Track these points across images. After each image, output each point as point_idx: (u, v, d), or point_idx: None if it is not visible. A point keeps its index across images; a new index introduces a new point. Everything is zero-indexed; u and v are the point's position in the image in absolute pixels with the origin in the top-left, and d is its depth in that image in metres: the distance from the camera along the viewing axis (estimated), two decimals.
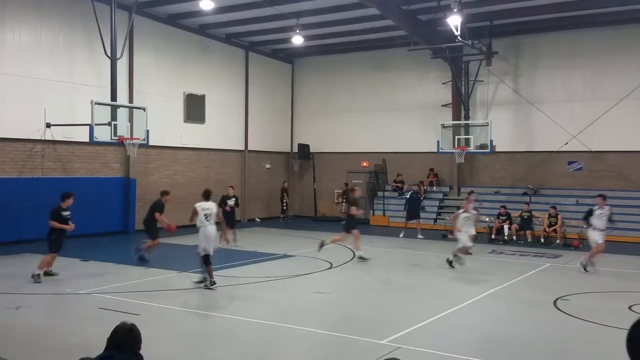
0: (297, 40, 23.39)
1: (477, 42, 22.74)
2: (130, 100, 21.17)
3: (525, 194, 23.39)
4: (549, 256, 17.34)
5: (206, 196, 12.44)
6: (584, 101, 22.91)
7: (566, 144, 22.80)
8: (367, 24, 23.78)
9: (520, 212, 20.94)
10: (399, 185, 25.98)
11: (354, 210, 16.02)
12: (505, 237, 20.30)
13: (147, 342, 4.31)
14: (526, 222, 20.62)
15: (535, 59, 24.03)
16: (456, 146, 22.67)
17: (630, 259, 17.12)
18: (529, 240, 20.17)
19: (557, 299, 11.33)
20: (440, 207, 24.88)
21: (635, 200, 21.60)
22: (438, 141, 22.87)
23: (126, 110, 19.87)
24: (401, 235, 21.18)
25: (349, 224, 16.01)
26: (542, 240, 19.99)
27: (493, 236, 20.48)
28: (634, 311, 10.53)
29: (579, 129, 22.72)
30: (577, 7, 21.20)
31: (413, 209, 21.60)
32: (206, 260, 11.81)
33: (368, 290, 12.58)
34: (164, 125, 22.09)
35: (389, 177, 26.98)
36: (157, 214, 14.85)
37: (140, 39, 21.89)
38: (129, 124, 19.16)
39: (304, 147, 28.86)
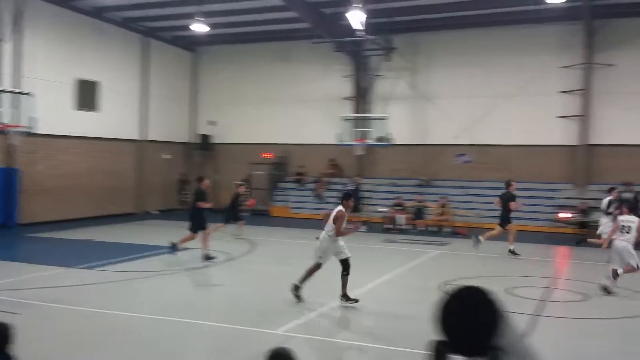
0: (200, 27, 22.81)
1: (377, 37, 23.40)
2: (17, 85, 19.99)
3: (419, 185, 24.41)
4: (439, 244, 18.26)
5: None
6: (474, 97, 24.19)
7: (457, 137, 24.07)
8: (272, 15, 23.81)
9: (414, 202, 21.89)
10: (301, 177, 26.28)
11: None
12: (400, 226, 21.12)
13: (29, 341, 4.19)
14: (419, 212, 21.59)
15: (431, 56, 25.06)
16: (356, 139, 23.24)
17: (525, 246, 18.26)
18: (421, 229, 21.13)
19: (446, 283, 11.98)
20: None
21: (518, 190, 23.03)
22: (338, 133, 23.32)
23: (10, 96, 18.71)
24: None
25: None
26: (434, 229, 21.01)
27: (388, 226, 21.24)
28: (510, 293, 11.36)
29: (468, 124, 24.04)
30: (469, 7, 22.37)
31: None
32: None
33: (261, 282, 12.66)
34: (53, 113, 21.01)
35: (294, 169, 27.23)
36: (199, 203, 14.18)
37: (30, 22, 20.68)
38: (14, 110, 18.09)
39: (205, 138, 28.49)
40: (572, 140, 22.77)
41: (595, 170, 22.42)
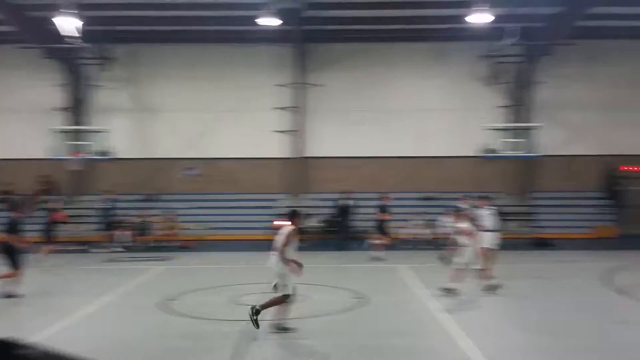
0: None
1: (94, 45, 22.14)
2: None
3: (144, 200, 23.71)
4: (165, 259, 17.93)
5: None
6: (199, 111, 24.49)
7: (184, 152, 24.10)
8: None
9: (139, 218, 21.19)
10: (6, 196, 23.39)
11: None
12: (123, 244, 20.21)
13: None
14: (144, 228, 20.98)
15: (155, 68, 24.67)
16: (71, 153, 21.58)
17: (248, 255, 18.90)
18: (147, 245, 20.56)
19: (169, 299, 11.75)
20: None
21: (242, 201, 23.95)
22: (51, 147, 21.37)
23: None
24: None
25: None
26: (160, 244, 20.60)
27: (108, 244, 20.11)
28: (235, 303, 11.64)
29: (194, 137, 24.26)
30: (191, 23, 22.74)
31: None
32: None
33: None
34: None
35: None
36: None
37: None
38: None
39: None
40: (288, 153, 24.51)
41: (309, 180, 24.47)
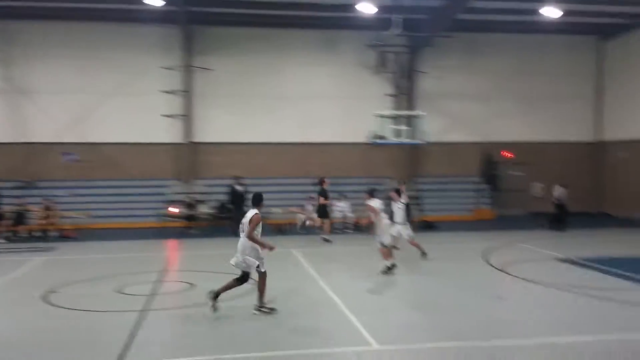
0: None
1: None
2: None
3: (20, 187, 22.13)
4: (45, 249, 16.88)
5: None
6: (79, 94, 23.11)
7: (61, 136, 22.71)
8: None
9: (16, 206, 19.76)
10: None
11: None
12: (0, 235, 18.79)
13: None
14: (20, 217, 19.60)
15: (32, 47, 22.92)
16: None
17: (135, 243, 18.21)
18: (24, 235, 19.26)
19: (50, 291, 11.11)
20: None
21: (128, 188, 23.01)
22: None
23: None
24: None
25: None
26: (38, 234, 19.36)
27: None
28: (120, 292, 11.21)
29: (74, 121, 22.93)
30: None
31: None
32: None
33: None
34: None
35: None
36: None
37: None
38: None
39: None
40: (178, 139, 23.83)
41: (199, 166, 23.96)
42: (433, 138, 22.54)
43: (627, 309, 9.92)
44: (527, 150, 25.43)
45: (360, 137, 22.26)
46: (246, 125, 24.00)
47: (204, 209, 21.90)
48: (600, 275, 12.70)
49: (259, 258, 9.49)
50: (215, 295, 9.45)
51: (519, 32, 24.86)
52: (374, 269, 12.88)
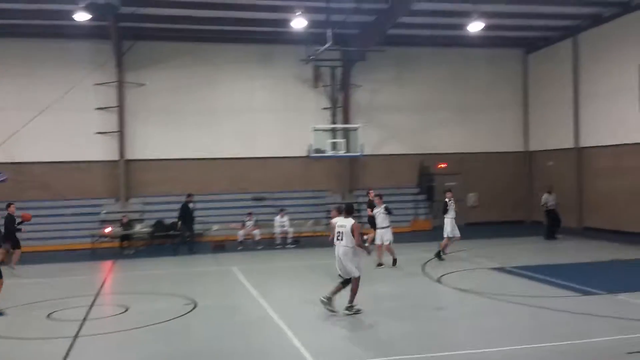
0: None
1: None
2: None
3: None
4: None
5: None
6: (9, 110, 22.20)
7: None
8: None
9: None
10: None
11: None
12: None
13: None
14: None
15: None
16: None
17: (69, 266, 17.57)
18: None
19: None
20: None
21: (60, 208, 22.26)
22: None
23: None
24: None
25: None
26: None
27: None
28: (50, 319, 10.78)
29: (2, 139, 21.95)
30: (5, 16, 20.68)
31: None
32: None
33: None
34: None
35: None
36: None
37: None
38: None
39: None
40: (112, 156, 23.22)
41: (134, 184, 23.40)
42: (370, 150, 22.91)
43: (557, 315, 10.27)
44: (461, 161, 26.14)
45: (299, 150, 22.38)
46: (182, 141, 23.66)
47: (139, 228, 21.41)
48: (534, 283, 13.10)
49: (354, 262, 10.34)
50: (329, 299, 10.30)
51: (448, 45, 25.54)
52: (316, 284, 12.89)
